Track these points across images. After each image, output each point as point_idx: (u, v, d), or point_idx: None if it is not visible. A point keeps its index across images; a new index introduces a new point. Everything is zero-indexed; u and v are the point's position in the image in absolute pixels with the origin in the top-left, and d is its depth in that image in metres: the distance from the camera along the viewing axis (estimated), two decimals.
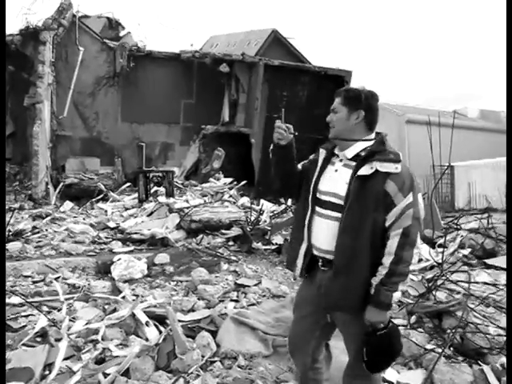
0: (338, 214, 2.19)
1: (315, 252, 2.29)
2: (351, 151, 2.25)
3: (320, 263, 2.27)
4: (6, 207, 8.59)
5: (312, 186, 2.30)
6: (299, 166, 2.44)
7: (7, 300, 4.09)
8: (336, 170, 2.28)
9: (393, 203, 2.11)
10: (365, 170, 2.14)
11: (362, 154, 2.22)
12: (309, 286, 2.38)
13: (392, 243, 2.13)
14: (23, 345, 3.25)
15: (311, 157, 2.46)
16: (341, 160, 2.29)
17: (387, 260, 2.13)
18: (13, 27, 10.64)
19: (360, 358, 2.21)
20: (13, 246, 5.93)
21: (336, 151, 2.32)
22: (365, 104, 2.24)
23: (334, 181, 2.25)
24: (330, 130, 2.30)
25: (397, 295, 2.14)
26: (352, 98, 2.25)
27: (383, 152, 2.19)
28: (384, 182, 2.12)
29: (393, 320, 2.32)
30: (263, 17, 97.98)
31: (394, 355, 2.28)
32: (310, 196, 2.29)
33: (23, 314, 3.88)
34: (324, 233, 2.25)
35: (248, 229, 6.87)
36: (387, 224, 2.14)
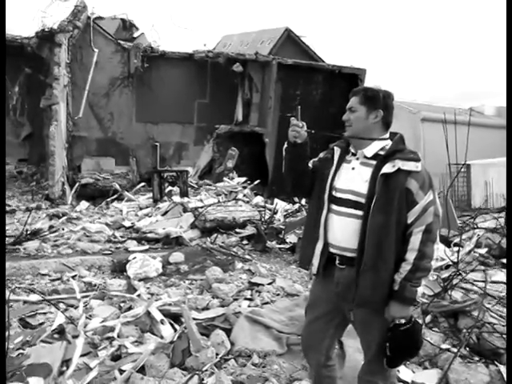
0: (357, 212, 2.22)
1: (332, 250, 2.29)
2: (370, 150, 2.28)
3: (338, 261, 2.28)
4: (24, 207, 8.76)
5: (328, 184, 2.30)
6: (310, 165, 2.45)
7: (26, 298, 4.18)
8: (353, 168, 2.29)
9: (415, 201, 2.15)
10: (387, 168, 2.17)
11: (381, 152, 2.26)
12: (323, 284, 2.38)
13: (415, 239, 2.16)
14: (41, 341, 3.31)
15: (321, 155, 2.48)
16: (357, 158, 2.31)
17: (411, 256, 2.16)
18: (29, 30, 10.81)
19: (379, 354, 2.23)
20: (30, 245, 6.04)
21: (352, 149, 2.34)
22: (383, 104, 2.28)
23: (352, 179, 2.27)
24: (347, 129, 2.31)
25: (420, 290, 2.17)
26: (371, 98, 2.27)
27: (404, 151, 2.23)
28: (405, 179, 2.16)
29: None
30: (276, 15, 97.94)
31: (416, 350, 2.32)
32: (326, 194, 2.30)
33: (41, 311, 3.95)
34: (342, 230, 2.26)
35: (262, 228, 6.87)
36: (409, 221, 2.17)
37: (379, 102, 2.27)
